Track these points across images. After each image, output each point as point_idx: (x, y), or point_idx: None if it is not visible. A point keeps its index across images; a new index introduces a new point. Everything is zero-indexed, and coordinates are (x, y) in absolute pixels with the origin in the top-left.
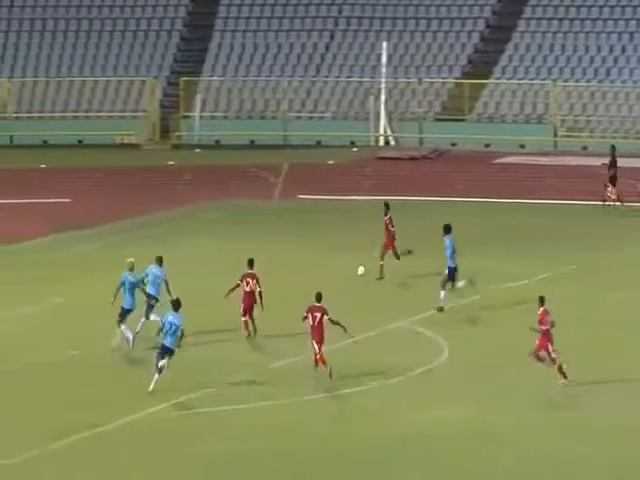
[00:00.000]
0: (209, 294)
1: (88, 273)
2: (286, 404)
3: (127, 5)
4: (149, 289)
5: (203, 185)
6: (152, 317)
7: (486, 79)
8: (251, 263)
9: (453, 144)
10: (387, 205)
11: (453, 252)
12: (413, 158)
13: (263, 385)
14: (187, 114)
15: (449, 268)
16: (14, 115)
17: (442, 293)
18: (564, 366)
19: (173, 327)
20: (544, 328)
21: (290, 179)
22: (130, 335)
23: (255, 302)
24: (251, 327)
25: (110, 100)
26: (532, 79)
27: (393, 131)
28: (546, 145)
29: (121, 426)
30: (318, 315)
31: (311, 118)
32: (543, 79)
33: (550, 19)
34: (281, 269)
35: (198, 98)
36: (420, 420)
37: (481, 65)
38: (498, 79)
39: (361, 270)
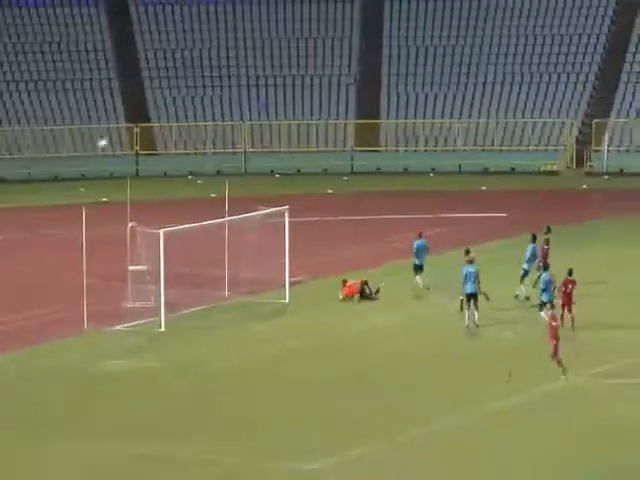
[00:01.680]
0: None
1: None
2: None
3: (551, 62)
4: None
5: (610, 204)
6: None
7: None
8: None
9: None
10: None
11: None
12: None
13: None
14: (597, 148)
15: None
16: (462, 148)
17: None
18: None
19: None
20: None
21: None
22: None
23: None
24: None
25: (537, 136)
26: None
27: None
28: None
29: (544, 393)
30: (570, 286)
31: None
32: None
33: None
34: None
35: (606, 135)
36: None
37: None
38: None
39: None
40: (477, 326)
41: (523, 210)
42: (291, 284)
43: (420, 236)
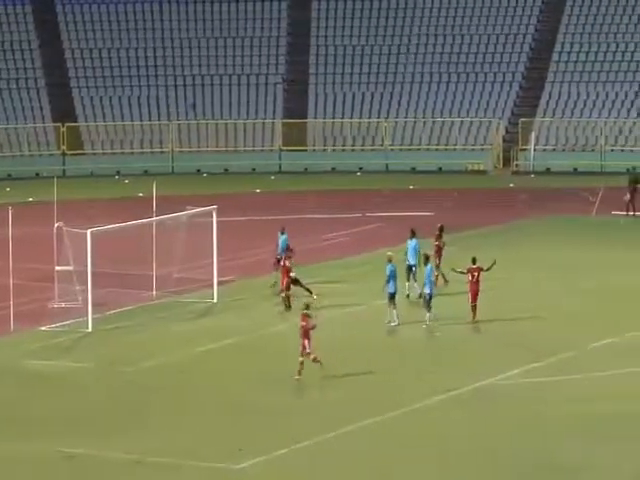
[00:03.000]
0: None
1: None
2: (606, 376)
3: (477, 62)
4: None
5: (536, 203)
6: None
7: None
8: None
9: None
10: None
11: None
12: None
13: (584, 360)
14: (524, 147)
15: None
16: (390, 147)
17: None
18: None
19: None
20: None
21: (606, 199)
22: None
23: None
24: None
25: (464, 136)
26: None
27: None
28: None
29: (474, 389)
30: (476, 274)
31: (622, 150)
32: None
33: None
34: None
35: (533, 135)
36: None
37: None
38: None
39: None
40: (398, 324)
41: (449, 208)
42: (219, 284)
43: (282, 231)
